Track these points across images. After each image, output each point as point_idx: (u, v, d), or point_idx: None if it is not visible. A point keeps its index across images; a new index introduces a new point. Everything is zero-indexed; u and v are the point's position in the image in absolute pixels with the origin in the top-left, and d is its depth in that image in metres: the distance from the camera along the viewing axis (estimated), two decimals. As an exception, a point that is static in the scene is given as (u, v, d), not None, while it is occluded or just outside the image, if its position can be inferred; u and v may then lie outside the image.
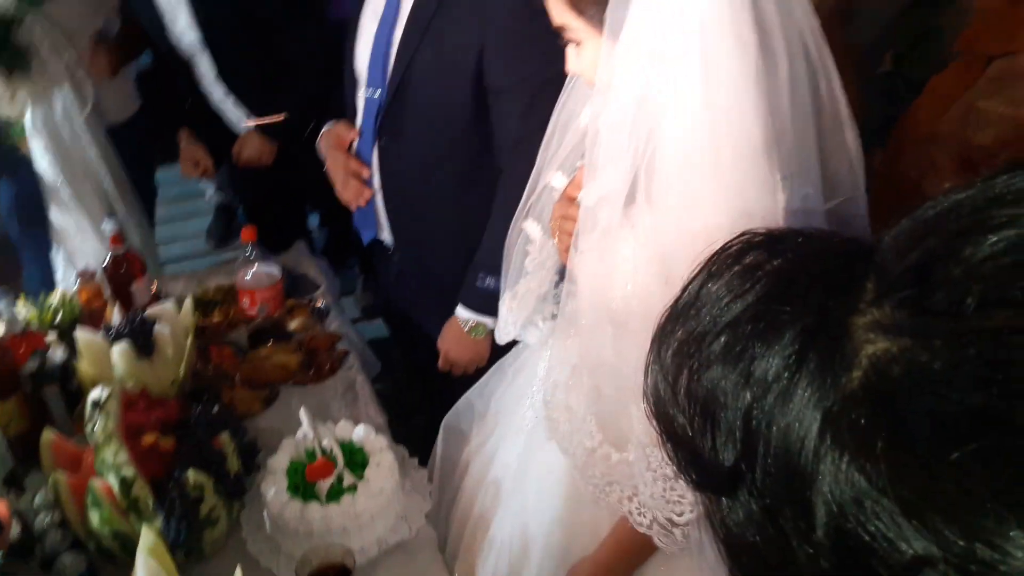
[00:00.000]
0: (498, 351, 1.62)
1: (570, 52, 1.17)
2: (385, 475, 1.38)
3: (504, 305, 1.57)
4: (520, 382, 1.52)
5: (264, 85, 2.37)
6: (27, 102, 2.14)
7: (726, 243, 0.59)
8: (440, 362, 1.80)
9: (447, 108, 1.67)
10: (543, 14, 1.16)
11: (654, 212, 1.07)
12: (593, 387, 1.21)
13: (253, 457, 1.49)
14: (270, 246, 2.04)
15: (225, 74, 2.39)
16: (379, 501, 1.35)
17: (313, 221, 3.41)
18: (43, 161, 2.22)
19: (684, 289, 0.59)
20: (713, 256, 0.59)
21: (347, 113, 1.87)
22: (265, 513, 1.38)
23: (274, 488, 1.37)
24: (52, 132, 2.21)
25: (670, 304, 0.59)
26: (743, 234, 0.59)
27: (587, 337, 1.23)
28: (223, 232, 3.70)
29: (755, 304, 0.53)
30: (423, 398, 2.26)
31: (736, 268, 0.56)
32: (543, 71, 1.46)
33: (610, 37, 1.05)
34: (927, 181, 1.64)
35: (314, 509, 1.33)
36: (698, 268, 0.59)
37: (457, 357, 1.78)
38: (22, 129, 2.20)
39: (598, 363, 1.20)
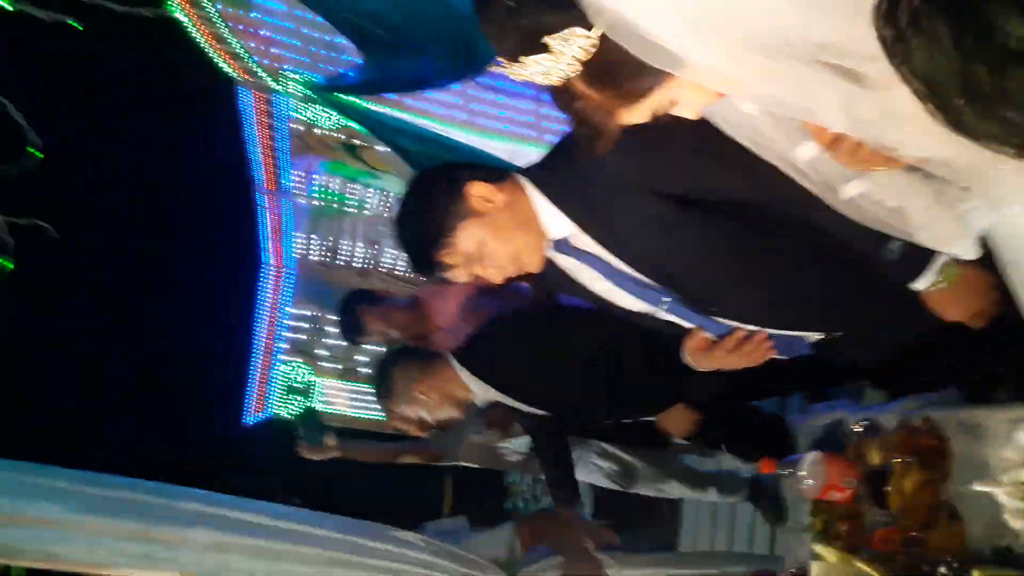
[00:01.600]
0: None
1: (679, 112, 1.19)
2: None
3: (926, 240, 1.44)
4: None
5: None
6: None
7: None
8: (976, 327, 1.60)
9: (702, 239, 1.66)
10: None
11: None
12: None
13: None
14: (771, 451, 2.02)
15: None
16: None
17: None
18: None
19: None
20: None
21: (658, 337, 1.92)
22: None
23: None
24: None
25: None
26: None
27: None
28: (776, 507, 3.20)
29: None
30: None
31: None
32: (687, 149, 1.48)
33: (677, 68, 1.05)
34: None
35: None
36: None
37: (962, 309, 1.58)
38: None
39: None
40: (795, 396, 3.26)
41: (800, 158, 1.37)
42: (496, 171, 1.77)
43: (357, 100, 3.80)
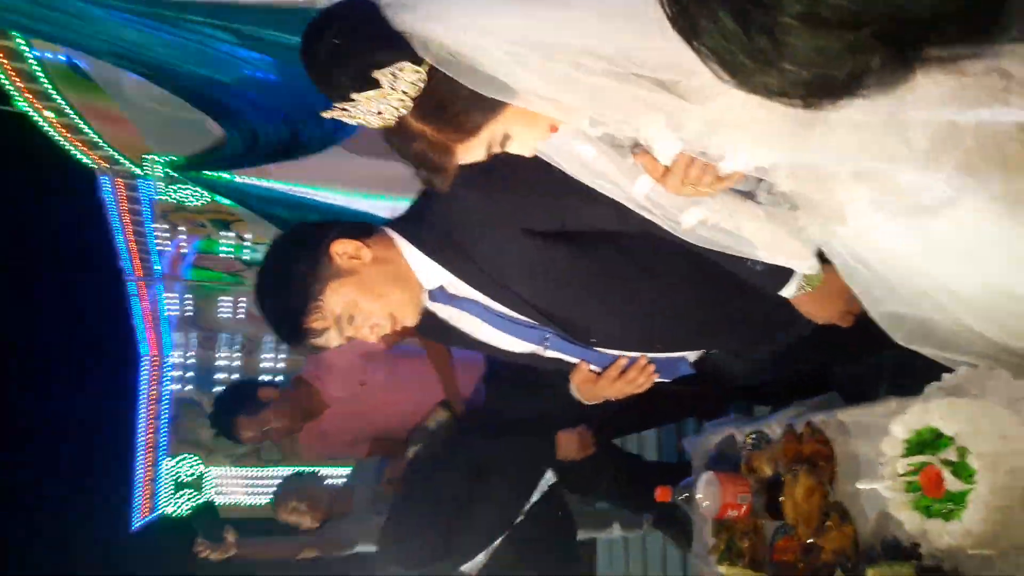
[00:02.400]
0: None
1: (514, 149, 1.20)
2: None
3: (779, 260, 1.50)
4: None
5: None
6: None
7: None
8: (841, 325, 1.66)
9: (573, 273, 1.68)
10: (494, 176, 1.21)
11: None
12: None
13: None
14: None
15: None
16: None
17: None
18: None
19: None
20: None
21: (550, 376, 1.93)
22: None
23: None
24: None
25: None
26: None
27: None
28: (681, 532, 3.15)
29: None
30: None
31: None
32: (547, 188, 1.50)
33: (508, 96, 1.07)
34: None
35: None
36: None
37: (830, 311, 1.64)
38: None
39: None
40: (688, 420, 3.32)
41: (638, 194, 1.41)
42: (362, 226, 1.72)
43: (225, 175, 3.70)
